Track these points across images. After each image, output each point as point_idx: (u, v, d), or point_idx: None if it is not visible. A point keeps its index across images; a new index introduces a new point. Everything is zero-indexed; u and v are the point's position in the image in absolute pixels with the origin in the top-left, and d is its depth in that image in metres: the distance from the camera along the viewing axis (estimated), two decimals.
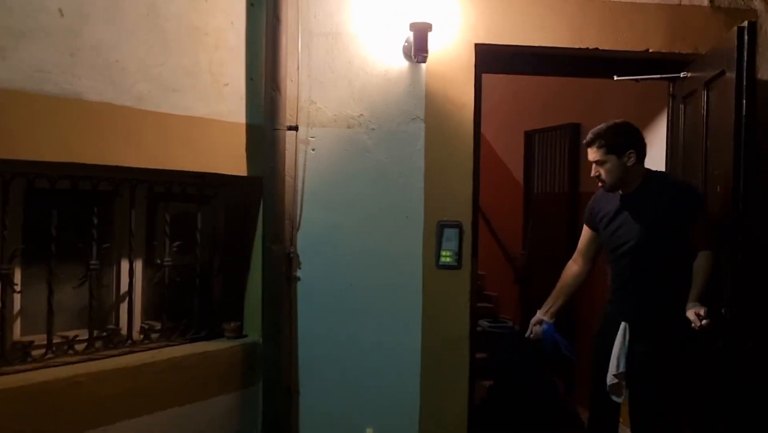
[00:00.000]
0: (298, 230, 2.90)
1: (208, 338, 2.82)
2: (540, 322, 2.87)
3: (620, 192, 2.67)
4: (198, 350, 2.70)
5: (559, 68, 3.20)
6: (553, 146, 4.83)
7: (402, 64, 2.91)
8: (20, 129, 2.09)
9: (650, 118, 3.59)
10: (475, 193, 3.00)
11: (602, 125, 2.63)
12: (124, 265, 2.62)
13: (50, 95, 2.15)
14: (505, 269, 5.34)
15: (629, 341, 2.63)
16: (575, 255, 2.92)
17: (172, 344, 2.70)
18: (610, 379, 2.65)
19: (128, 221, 2.57)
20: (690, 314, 2.40)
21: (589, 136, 2.65)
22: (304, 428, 2.94)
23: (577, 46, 2.96)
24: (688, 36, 3.01)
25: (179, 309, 2.77)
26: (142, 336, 2.65)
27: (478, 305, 4.18)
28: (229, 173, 2.74)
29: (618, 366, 2.63)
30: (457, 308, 2.96)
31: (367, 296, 2.94)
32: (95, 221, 2.45)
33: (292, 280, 2.90)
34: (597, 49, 2.97)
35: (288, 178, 2.84)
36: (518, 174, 5.17)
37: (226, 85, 2.70)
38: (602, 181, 2.64)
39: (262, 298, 2.82)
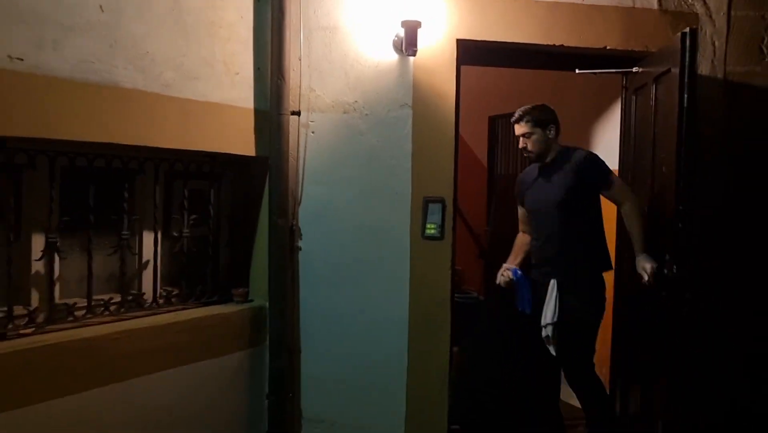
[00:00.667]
0: (299, 205, 3.22)
1: (219, 302, 3.12)
2: (509, 268, 3.32)
3: (538, 164, 3.23)
4: (213, 313, 3.00)
5: (530, 62, 3.59)
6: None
7: (392, 57, 3.23)
8: (67, 113, 2.34)
9: (605, 107, 4.04)
10: (455, 172, 3.37)
11: (526, 106, 3.21)
12: (147, 235, 2.90)
13: (93, 83, 2.40)
14: (469, 245, 5.75)
15: (558, 295, 3.10)
16: (520, 228, 3.50)
17: (188, 307, 3.00)
18: (543, 331, 3.11)
19: (153, 195, 2.86)
20: (640, 269, 2.89)
21: (518, 113, 3.22)
22: (305, 383, 3.28)
23: (545, 43, 3.34)
24: (640, 35, 3.42)
25: (193, 276, 3.07)
26: (162, 300, 2.94)
27: None
28: (240, 153, 3.03)
29: (546, 317, 3.11)
30: (440, 274, 3.32)
31: (361, 264, 3.28)
32: (126, 196, 2.73)
33: (294, 250, 3.22)
34: (563, 45, 3.35)
35: (291, 159, 3.15)
36: (482, 157, 5.58)
37: (237, 74, 2.99)
38: (529, 152, 3.21)
39: (269, 267, 3.14)
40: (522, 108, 3.22)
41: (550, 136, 3.19)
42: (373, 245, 3.29)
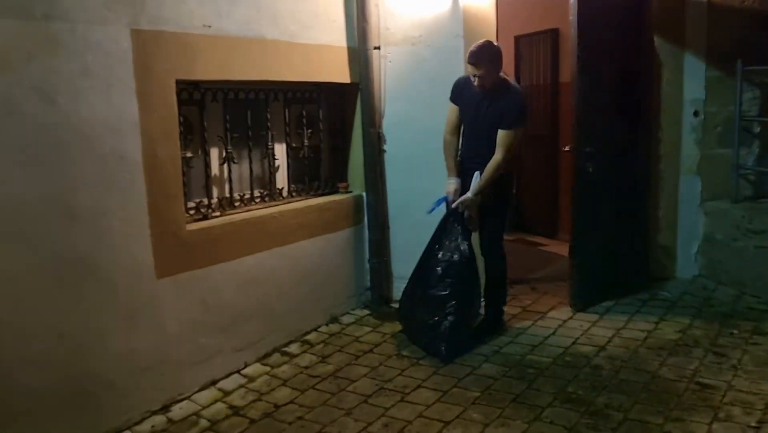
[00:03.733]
0: (383, 117, 4.27)
1: (328, 194, 4.25)
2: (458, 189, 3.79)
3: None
4: (329, 200, 4.13)
5: None
6: (537, 47, 6.20)
7: None
8: (238, 60, 3.38)
9: None
10: None
11: (474, 48, 3.56)
12: (278, 146, 3.98)
13: (250, 38, 3.42)
14: None
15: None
16: (448, 129, 3.85)
17: (310, 198, 4.12)
18: (466, 214, 3.77)
19: (284, 117, 3.93)
20: (463, 202, 3.71)
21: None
22: (394, 251, 4.44)
23: None
24: None
25: (310, 175, 4.17)
26: (293, 193, 4.06)
27: None
28: (339, 81, 4.07)
29: (465, 196, 3.67)
30: None
31: (429, 159, 4.29)
32: (268, 117, 3.80)
33: (381, 152, 4.30)
34: None
35: (375, 83, 4.18)
36: (510, 71, 6.53)
37: (334, 21, 3.98)
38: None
39: (364, 165, 4.23)
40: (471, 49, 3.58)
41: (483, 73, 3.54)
42: (436, 146, 4.27)
